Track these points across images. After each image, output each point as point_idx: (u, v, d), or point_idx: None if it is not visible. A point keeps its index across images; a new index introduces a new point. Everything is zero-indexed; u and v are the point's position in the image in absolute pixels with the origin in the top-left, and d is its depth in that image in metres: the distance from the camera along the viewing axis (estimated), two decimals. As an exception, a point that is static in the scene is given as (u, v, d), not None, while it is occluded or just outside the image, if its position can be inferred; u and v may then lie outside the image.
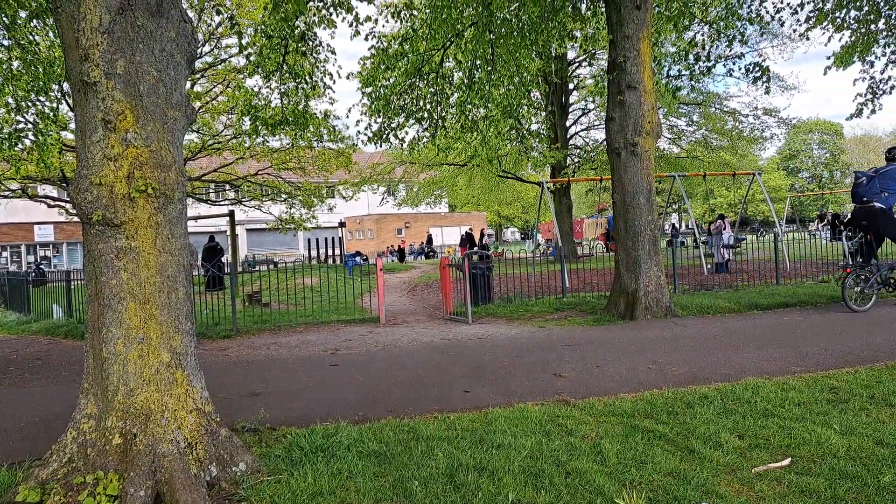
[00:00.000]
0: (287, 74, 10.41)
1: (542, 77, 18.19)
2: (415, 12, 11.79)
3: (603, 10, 9.80)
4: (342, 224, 30.12)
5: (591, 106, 22.71)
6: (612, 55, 8.83)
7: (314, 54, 9.99)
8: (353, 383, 5.56)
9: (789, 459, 3.35)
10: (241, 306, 11.02)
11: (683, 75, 12.42)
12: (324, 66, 10.27)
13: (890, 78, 13.99)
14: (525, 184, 23.05)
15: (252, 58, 10.20)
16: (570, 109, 22.45)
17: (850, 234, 15.26)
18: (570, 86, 21.91)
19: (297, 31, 9.70)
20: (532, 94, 19.74)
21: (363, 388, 5.37)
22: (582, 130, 23.98)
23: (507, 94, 11.86)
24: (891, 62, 13.80)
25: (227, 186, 21.63)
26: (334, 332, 8.85)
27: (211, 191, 24.97)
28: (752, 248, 16.77)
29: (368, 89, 11.77)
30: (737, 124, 21.36)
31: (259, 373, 6.20)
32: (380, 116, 11.62)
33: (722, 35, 10.85)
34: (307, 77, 10.38)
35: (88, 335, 3.45)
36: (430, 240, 37.01)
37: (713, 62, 11.39)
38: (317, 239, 27.40)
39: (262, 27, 9.37)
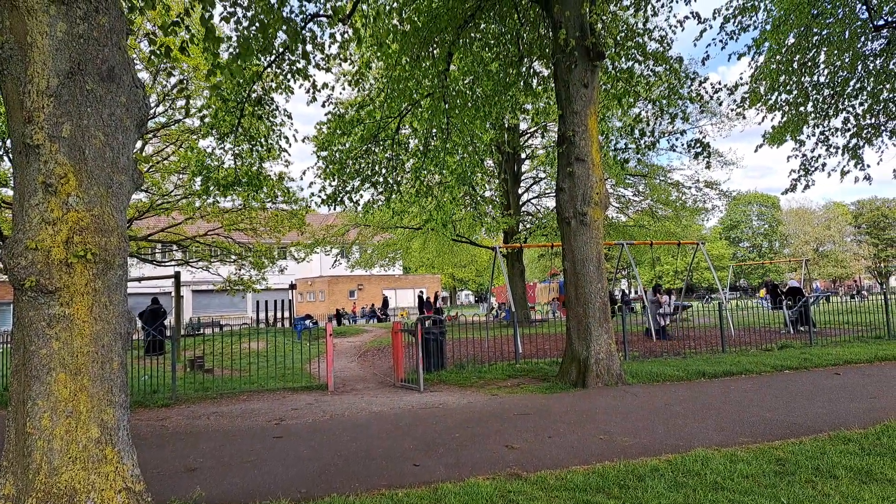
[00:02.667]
0: (242, 136, 10.43)
1: (495, 146, 18.78)
2: (372, 81, 12.11)
3: (553, 86, 10.28)
4: (293, 286, 29.58)
5: (542, 175, 23.47)
6: (561, 129, 9.20)
7: (270, 118, 10.07)
8: (298, 457, 5.32)
9: (740, 535, 3.34)
10: (182, 372, 10.54)
11: (630, 149, 13.04)
12: (280, 130, 10.35)
13: (820, 156, 15.00)
14: (479, 248, 23.34)
15: (207, 119, 10.20)
16: (523, 178, 23.13)
17: (790, 303, 15.94)
18: (523, 155, 22.65)
19: (253, 96, 9.79)
20: (486, 163, 20.31)
21: (307, 462, 5.13)
22: (534, 198, 24.66)
23: (462, 162, 12.14)
24: (820, 142, 14.85)
25: (175, 247, 21.08)
26: (280, 401, 8.52)
27: (157, 251, 24.25)
28: (698, 315, 17.25)
29: (324, 153, 11.88)
30: (680, 195, 22.39)
31: (197, 445, 5.87)
32: (335, 180, 11.68)
33: (665, 112, 11.50)
34: (262, 139, 10.42)
35: (11, 408, 3.22)
36: (385, 303, 36.67)
37: (657, 137, 12.01)
38: (266, 301, 26.76)
39: (219, 90, 9.41)
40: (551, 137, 20.14)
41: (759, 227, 70.68)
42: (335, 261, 24.09)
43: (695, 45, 11.82)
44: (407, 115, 12.01)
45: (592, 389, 8.08)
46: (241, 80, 9.04)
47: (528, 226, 22.48)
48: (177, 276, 15.86)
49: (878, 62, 13.55)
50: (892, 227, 74.38)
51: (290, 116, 10.31)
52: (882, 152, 17.54)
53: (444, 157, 11.57)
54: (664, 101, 11.28)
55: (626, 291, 22.91)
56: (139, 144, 17.80)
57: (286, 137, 10.58)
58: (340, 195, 11.97)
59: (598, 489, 4.11)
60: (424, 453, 5.25)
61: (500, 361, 10.79)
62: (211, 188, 11.06)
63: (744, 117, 14.16)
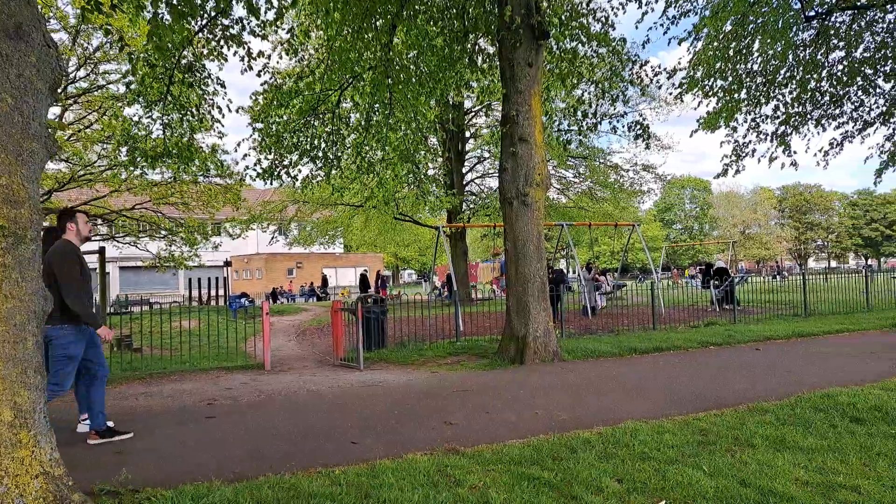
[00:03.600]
0: (171, 105, 9.93)
1: (439, 124, 18.68)
2: (312, 51, 11.75)
3: (498, 64, 10.25)
4: (228, 263, 28.72)
5: (486, 154, 23.56)
6: (505, 108, 9.21)
7: (202, 86, 9.62)
8: (231, 437, 5.19)
9: (664, 502, 3.48)
10: (108, 352, 10.10)
11: (572, 130, 13.21)
12: (212, 99, 9.91)
13: (751, 142, 15.66)
14: (422, 227, 23.30)
15: (133, 86, 9.65)
16: (467, 157, 23.16)
17: (717, 283, 16.72)
18: (467, 134, 22.64)
19: (183, 62, 9.32)
20: (430, 140, 20.18)
21: (241, 442, 5.02)
22: (478, 178, 24.75)
23: (405, 139, 12.01)
24: (751, 128, 15.48)
25: (99, 220, 20.01)
26: (214, 381, 8.29)
27: (81, 225, 23.01)
28: (632, 294, 17.85)
29: (260, 125, 11.48)
30: (618, 178, 23.00)
31: (125, 427, 5.64)
32: (271, 153, 11.32)
33: (606, 94, 11.69)
34: (194, 109, 9.96)
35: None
36: (324, 281, 36.16)
37: (599, 119, 12.22)
38: (199, 279, 25.89)
39: (146, 55, 8.90)
40: (496, 117, 20.19)
41: (691, 210, 73.68)
42: (272, 238, 23.51)
43: (636, 27, 12.04)
44: (348, 89, 11.73)
45: (530, 366, 8.24)
46: (170, 45, 8.58)
47: (471, 205, 22.58)
48: (101, 251, 15.08)
49: (807, 52, 14.17)
50: (812, 211, 79.00)
51: (223, 85, 9.88)
52: (808, 140, 18.49)
53: (386, 133, 11.40)
54: (606, 83, 11.46)
55: (565, 272, 23.46)
56: (57, 111, 16.71)
57: (219, 107, 10.15)
58: (277, 169, 11.63)
59: (533, 461, 4.20)
60: (363, 431, 5.23)
61: (442, 340, 10.85)
62: (138, 159, 10.51)
63: (682, 101, 14.58)
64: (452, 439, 4.87)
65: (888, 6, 13.14)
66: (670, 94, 14.78)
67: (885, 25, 13.91)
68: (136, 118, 10.40)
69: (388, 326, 10.67)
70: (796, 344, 9.92)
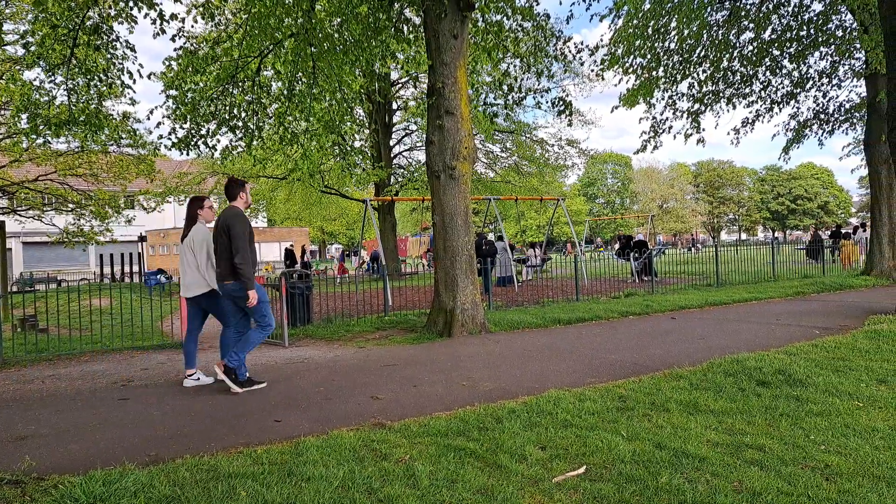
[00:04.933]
0: (76, 69, 9.20)
1: (366, 95, 18.28)
2: (229, 15, 11.15)
3: (424, 35, 10.08)
4: (143, 238, 27.24)
5: (413, 127, 23.32)
6: (431, 80, 9.09)
7: (109, 50, 8.95)
8: (147, 419, 4.94)
9: (585, 467, 3.58)
10: (10, 333, 9.40)
11: (498, 104, 13.24)
12: (122, 64, 9.25)
13: (668, 119, 16.26)
14: (349, 200, 22.94)
15: (33, 48, 8.85)
16: (394, 129, 22.86)
17: (636, 255, 17.41)
18: (395, 105, 22.30)
19: (88, 23, 8.62)
20: (356, 112, 19.74)
21: (158, 424, 4.79)
22: (406, 150, 24.52)
23: (330, 109, 11.66)
24: (668, 105, 16.05)
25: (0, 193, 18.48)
26: (128, 361, 7.87)
27: (-24, 197, 21.21)
28: (558, 266, 18.33)
29: (174, 92, 10.84)
30: (544, 153, 23.38)
31: (29, 412, 5.27)
32: (186, 122, 10.73)
33: (531, 69, 11.75)
34: (101, 74, 9.27)
35: None
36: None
37: (524, 94, 12.30)
38: (112, 254, 24.47)
39: (46, 14, 8.17)
40: (423, 89, 19.96)
41: (613, 184, 76.24)
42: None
43: (560, 3, 12.11)
44: (269, 56, 11.23)
45: (457, 339, 8.31)
46: (73, 4, 7.90)
47: (400, 179, 22.38)
48: (1, 225, 13.95)
49: (720, 32, 14.77)
50: (725, 186, 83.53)
51: (133, 49, 9.23)
52: (719, 117, 19.37)
53: (310, 104, 11.03)
54: (531, 58, 11.51)
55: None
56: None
57: (130, 73, 9.49)
58: (194, 139, 11.05)
59: (459, 433, 4.23)
60: (288, 409, 5.11)
61: (370, 315, 10.76)
62: (40, 127, 9.72)
63: (602, 79, 14.90)
64: (379, 414, 4.83)
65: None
66: (592, 70, 15.08)
67: (790, 8, 14.67)
68: (37, 83, 9.57)
69: (313, 302, 10.46)
70: (709, 312, 10.48)
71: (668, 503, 3.10)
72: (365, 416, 4.76)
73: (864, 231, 21.07)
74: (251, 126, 11.43)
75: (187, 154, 11.58)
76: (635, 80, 14.97)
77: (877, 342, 6.77)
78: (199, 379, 6.17)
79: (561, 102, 12.04)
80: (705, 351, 6.92)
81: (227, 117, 11.19)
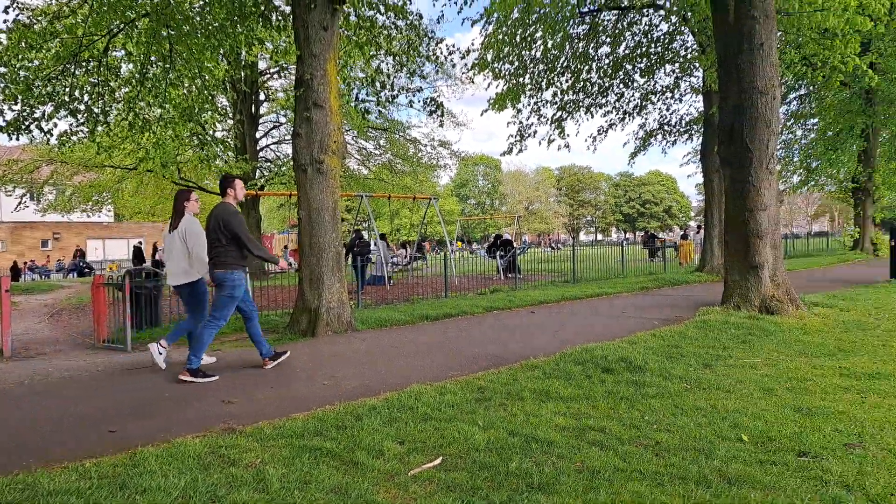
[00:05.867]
0: None
1: (230, 83, 17.36)
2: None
3: (293, 24, 9.73)
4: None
5: (282, 119, 22.50)
6: (299, 71, 8.79)
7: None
8: (-49, 437, 4.30)
9: (441, 458, 3.62)
10: None
11: (371, 100, 13.14)
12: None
13: (533, 124, 17.03)
14: (209, 194, 21.63)
15: None
16: (261, 121, 21.90)
17: (502, 253, 18.09)
18: (262, 96, 21.39)
19: None
20: (218, 100, 18.67)
21: (-35, 441, 4.18)
22: (273, 143, 23.59)
23: (189, 96, 10.94)
24: (533, 111, 16.82)
25: None
26: (-65, 372, 6.84)
27: None
28: (430, 265, 18.56)
29: (3, 70, 9.60)
30: (417, 152, 23.57)
31: None
32: (17, 102, 9.55)
33: (404, 67, 11.78)
34: None
35: None
36: (79, 254, 31.78)
37: (397, 92, 12.31)
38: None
39: None
40: (292, 80, 19.32)
41: (483, 186, 78.80)
42: (20, 203, 19.88)
43: (433, 4, 12.27)
44: (119, 36, 10.29)
45: (322, 338, 8.11)
46: None
47: (266, 173, 21.48)
48: None
49: (581, 45, 15.73)
50: (584, 190, 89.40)
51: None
52: (580, 124, 20.59)
53: (165, 89, 10.27)
54: (404, 57, 11.54)
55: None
56: None
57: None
58: (27, 122, 9.86)
59: (316, 433, 4.11)
60: (126, 418, 4.68)
61: (230, 314, 10.19)
62: None
63: (472, 82, 15.29)
64: (231, 418, 4.58)
65: (644, 10, 15.07)
66: (463, 73, 15.44)
67: (642, 27, 15.98)
68: None
69: (162, 303, 9.70)
70: (565, 306, 11.11)
71: (517, 486, 3.22)
72: (215, 422, 4.48)
73: (699, 232, 23.46)
74: (95, 110, 10.41)
75: (17, 139, 10.31)
76: (504, 85, 15.52)
77: (704, 331, 7.54)
78: (161, 353, 6.46)
79: (433, 102, 12.21)
80: (560, 342, 7.32)
81: (67, 100, 10.10)
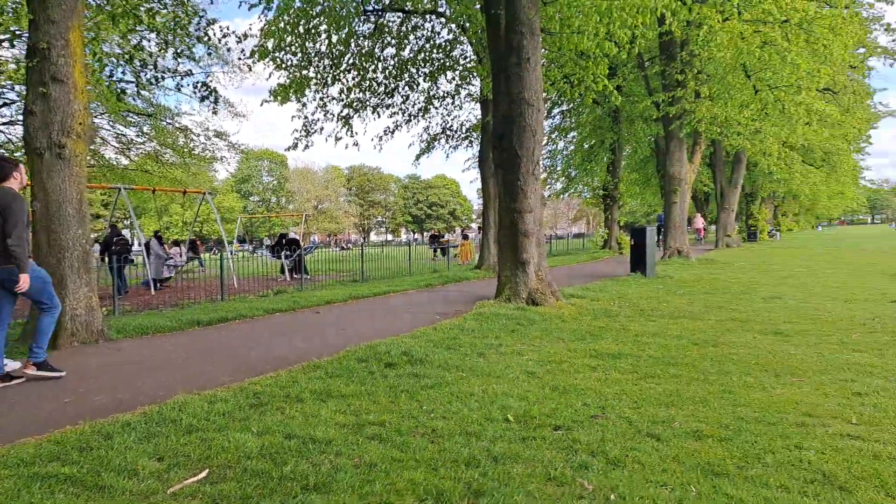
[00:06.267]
0: None
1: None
2: None
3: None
4: None
5: (13, 96, 18.99)
6: (33, 39, 7.42)
7: None
8: None
9: (207, 471, 3.30)
10: None
11: (131, 81, 11.70)
12: None
13: (319, 120, 16.67)
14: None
15: None
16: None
17: (288, 253, 17.45)
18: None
19: None
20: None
21: None
22: (4, 124, 19.81)
23: None
24: (319, 107, 16.46)
25: None
26: None
27: None
28: (209, 266, 17.16)
29: None
30: (188, 142, 21.59)
31: None
32: None
33: (170, 46, 10.67)
34: None
35: None
36: None
37: (161, 73, 11.10)
38: None
39: None
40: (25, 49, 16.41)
41: (268, 182, 75.62)
42: None
43: (205, -18, 11.30)
44: None
45: (65, 350, 6.95)
46: None
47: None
48: None
49: (367, 43, 15.79)
50: (374, 190, 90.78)
51: None
52: (367, 124, 20.71)
53: None
54: (170, 35, 10.45)
55: (130, 241, 20.88)
56: None
57: None
58: None
59: (53, 458, 3.49)
60: None
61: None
62: None
63: (251, 70, 14.48)
64: (-72, 454, 3.65)
65: (427, 16, 15.66)
66: (241, 60, 14.55)
67: (424, 33, 16.59)
68: None
69: None
70: (353, 305, 11.06)
71: (291, 490, 3.05)
72: None
73: (479, 233, 25.20)
74: None
75: None
76: (287, 77, 14.93)
77: (480, 322, 8.03)
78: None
79: (204, 87, 11.28)
80: (345, 340, 7.22)
81: None
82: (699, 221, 36.84)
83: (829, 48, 14.34)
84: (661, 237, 21.18)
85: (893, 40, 26.53)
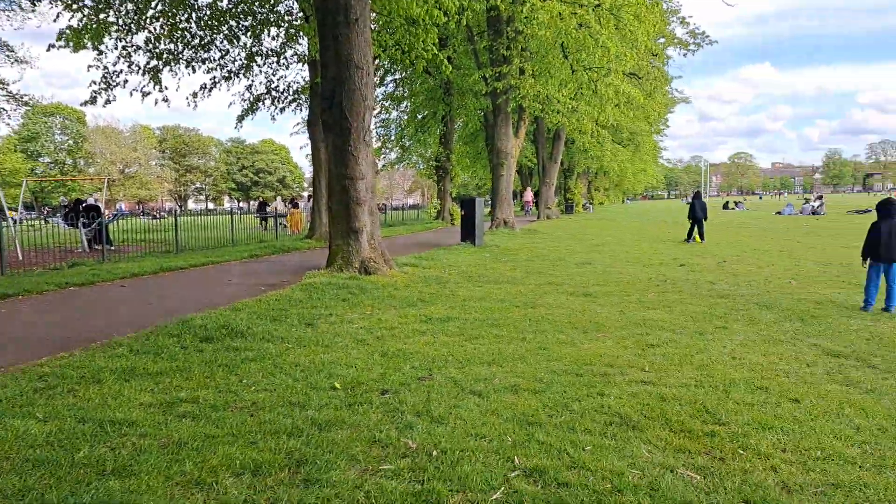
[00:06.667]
0: None
1: None
2: None
3: None
4: None
5: None
6: None
7: None
8: None
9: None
10: None
11: None
12: None
13: (122, 71, 14.80)
14: None
15: None
16: None
17: (87, 222, 15.43)
18: None
19: None
20: None
21: None
22: None
23: None
24: (122, 57, 14.58)
25: None
26: None
27: None
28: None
29: None
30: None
31: None
32: None
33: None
34: None
35: None
36: None
37: None
38: None
39: None
40: None
41: (62, 141, 65.96)
42: None
43: None
44: None
45: None
46: None
47: None
48: None
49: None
50: (191, 154, 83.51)
51: None
52: (180, 79, 18.86)
53: None
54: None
55: None
56: None
57: None
58: None
59: None
60: None
61: None
62: None
63: (34, 6, 12.42)
64: None
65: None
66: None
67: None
68: None
69: None
70: (165, 278, 10.12)
71: (84, 477, 2.73)
72: None
73: (310, 201, 24.41)
74: None
75: None
76: (81, 20, 13.00)
77: (309, 293, 7.78)
78: None
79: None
80: (153, 315, 6.59)
81: None
82: (528, 195, 39.31)
83: (635, 34, 15.86)
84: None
85: (687, 32, 30.33)
